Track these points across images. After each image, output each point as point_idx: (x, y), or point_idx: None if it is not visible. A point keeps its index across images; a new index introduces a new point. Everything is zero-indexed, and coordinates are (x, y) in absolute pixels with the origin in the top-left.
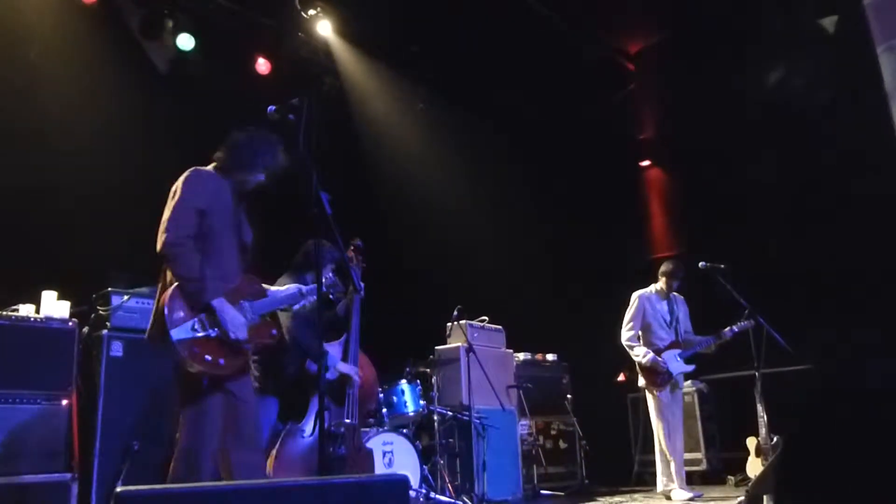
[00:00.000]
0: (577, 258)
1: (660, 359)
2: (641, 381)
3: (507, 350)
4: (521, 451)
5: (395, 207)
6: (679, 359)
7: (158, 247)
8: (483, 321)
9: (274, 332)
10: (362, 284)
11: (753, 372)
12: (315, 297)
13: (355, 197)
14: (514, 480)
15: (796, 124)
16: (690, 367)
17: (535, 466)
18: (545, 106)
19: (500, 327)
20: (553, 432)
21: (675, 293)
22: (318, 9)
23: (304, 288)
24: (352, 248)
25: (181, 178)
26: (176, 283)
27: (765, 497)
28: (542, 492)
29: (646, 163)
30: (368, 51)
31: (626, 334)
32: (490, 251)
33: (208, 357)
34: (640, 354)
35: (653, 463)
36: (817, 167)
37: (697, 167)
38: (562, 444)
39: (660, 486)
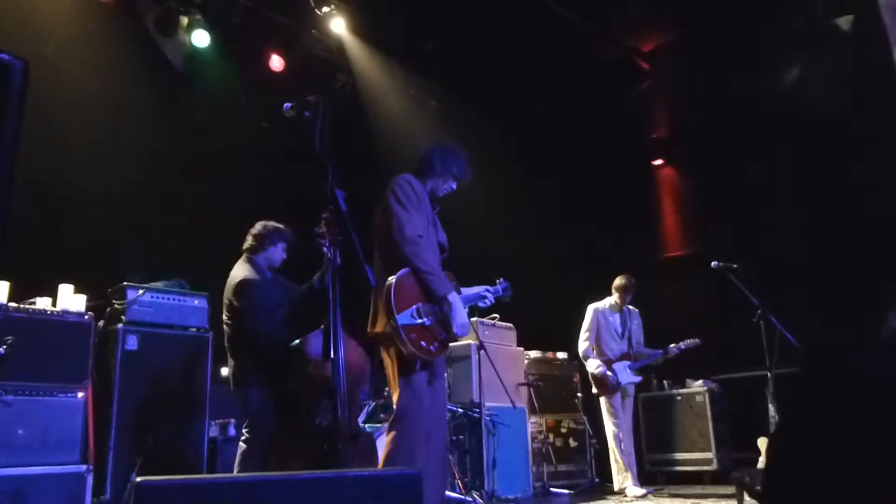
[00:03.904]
0: (588, 256)
1: (609, 373)
2: (594, 389)
3: (518, 348)
4: (531, 448)
5: None
6: (629, 370)
7: (399, 245)
8: (494, 319)
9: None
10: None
11: (765, 372)
12: (493, 299)
13: (368, 194)
14: (523, 478)
15: (810, 123)
16: (638, 378)
17: (544, 464)
18: (558, 104)
19: (510, 325)
20: (563, 430)
21: (628, 306)
22: (332, 6)
23: (490, 289)
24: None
25: (397, 184)
26: (397, 276)
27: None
28: (552, 489)
29: (658, 162)
30: (382, 48)
31: (581, 345)
32: (501, 249)
33: (423, 343)
34: (593, 366)
35: (664, 462)
36: (831, 167)
37: (710, 166)
38: (572, 443)
39: (616, 485)
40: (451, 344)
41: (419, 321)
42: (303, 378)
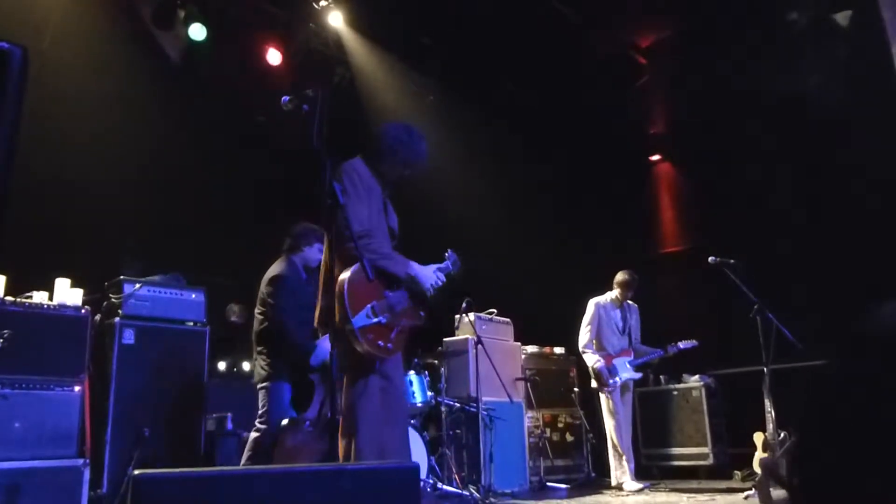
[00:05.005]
0: (585, 252)
1: (606, 370)
2: (594, 384)
3: (515, 343)
4: (528, 443)
5: (403, 199)
6: (629, 366)
7: (347, 239)
8: (491, 314)
9: (423, 313)
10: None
11: (762, 367)
12: (443, 277)
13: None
14: (520, 472)
15: (807, 119)
16: (638, 375)
17: (541, 459)
18: (556, 99)
19: (508, 320)
20: (560, 425)
21: (628, 302)
22: (330, 0)
23: (441, 266)
24: None
25: (343, 171)
26: (347, 275)
27: (771, 488)
28: (549, 484)
29: (656, 157)
30: (379, 42)
31: (582, 339)
32: (499, 244)
33: (381, 343)
34: (593, 361)
35: (659, 456)
36: (829, 163)
37: (707, 162)
38: (568, 437)
39: (614, 480)
40: (447, 339)
41: (375, 320)
42: (320, 374)
